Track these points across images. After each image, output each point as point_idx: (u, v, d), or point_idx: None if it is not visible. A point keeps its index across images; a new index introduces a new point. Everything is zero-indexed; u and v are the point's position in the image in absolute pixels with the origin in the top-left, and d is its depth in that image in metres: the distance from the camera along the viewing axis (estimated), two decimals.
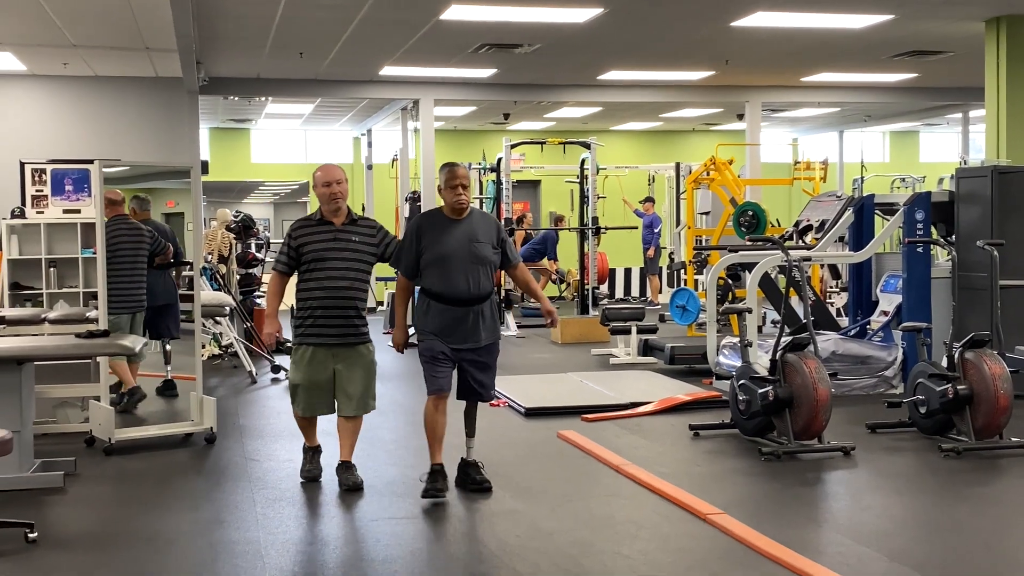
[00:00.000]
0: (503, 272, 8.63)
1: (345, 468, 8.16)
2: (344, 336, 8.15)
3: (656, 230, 23.15)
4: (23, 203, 13.26)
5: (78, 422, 10.17)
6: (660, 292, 23.36)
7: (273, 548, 6.76)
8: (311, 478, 8.30)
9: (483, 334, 7.93)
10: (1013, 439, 9.13)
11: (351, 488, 7.99)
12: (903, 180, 24.54)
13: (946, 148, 30.84)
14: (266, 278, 16.98)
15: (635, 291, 25.11)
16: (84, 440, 9.76)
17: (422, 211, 18.88)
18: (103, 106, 16.83)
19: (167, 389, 12.29)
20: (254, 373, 13.54)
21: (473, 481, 7.90)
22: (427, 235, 7.90)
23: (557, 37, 15.17)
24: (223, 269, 14.81)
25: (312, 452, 8.46)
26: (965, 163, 17.04)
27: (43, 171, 13.03)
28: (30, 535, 6.90)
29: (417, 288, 8.11)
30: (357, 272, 8.21)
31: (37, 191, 13.08)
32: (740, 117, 23.15)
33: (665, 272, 23.12)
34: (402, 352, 8.15)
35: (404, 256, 7.98)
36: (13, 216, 13.05)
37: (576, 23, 14.13)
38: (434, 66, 17.63)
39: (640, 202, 23.44)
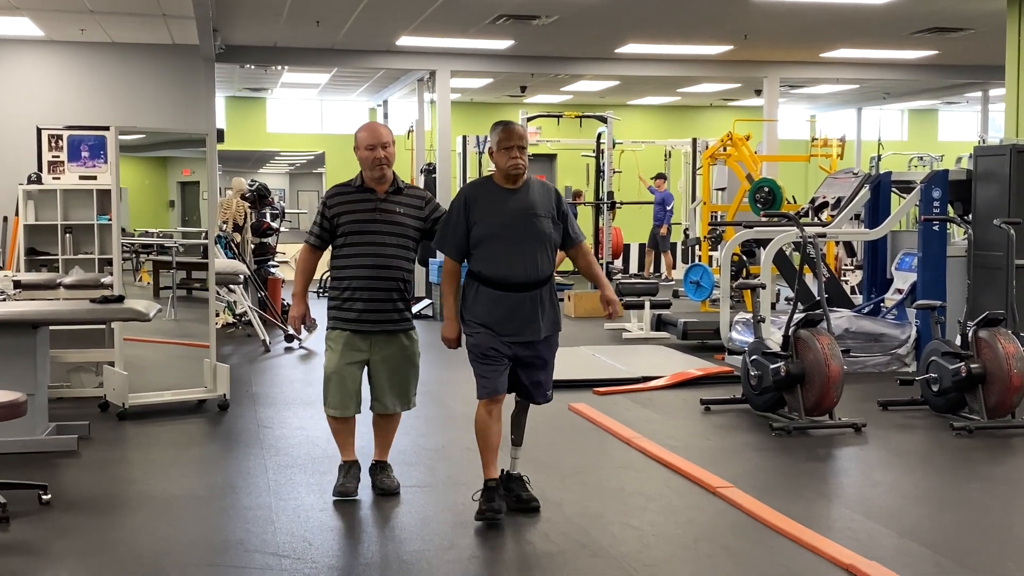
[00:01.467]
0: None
1: (380, 469, 7.21)
2: (384, 322, 7.00)
3: (668, 207, 23.11)
4: (40, 169, 13.34)
5: (92, 387, 10.21)
6: (674, 268, 23.38)
7: (284, 513, 6.79)
8: (344, 494, 7.02)
9: (543, 325, 6.66)
10: None
11: (385, 492, 7.08)
12: (921, 158, 24.43)
13: (965, 127, 30.72)
14: (281, 248, 17.13)
15: (633, 267, 25.04)
16: (98, 405, 9.80)
17: (436, 183, 19.16)
18: (120, 73, 16.84)
19: None
20: (268, 342, 13.59)
21: (518, 499, 6.69)
22: (477, 208, 6.64)
23: (575, 8, 15.15)
24: (238, 238, 14.83)
25: (348, 467, 7.18)
26: (984, 142, 17.00)
27: (60, 137, 13.12)
28: (44, 497, 6.94)
29: (464, 271, 6.85)
30: (401, 248, 7.00)
31: (54, 157, 13.16)
32: (758, 93, 23.08)
33: (680, 248, 23.11)
34: (456, 348, 6.83)
35: (450, 234, 6.69)
36: (30, 182, 13.13)
37: None
38: (451, 36, 17.61)
39: (652, 178, 23.41)
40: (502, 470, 6.76)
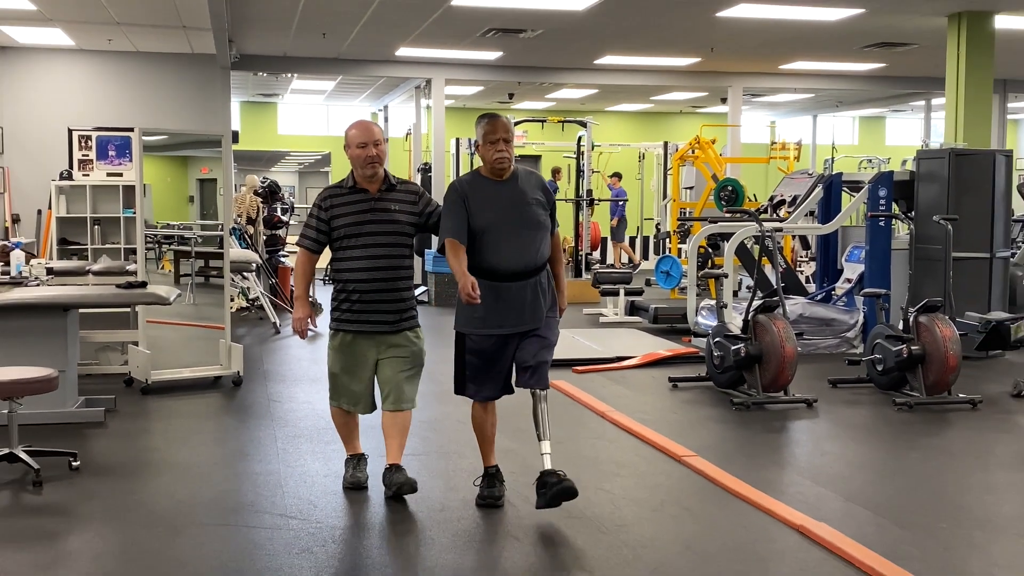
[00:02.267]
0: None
1: (395, 470, 6.31)
2: (387, 322, 6.36)
3: (620, 202, 23.10)
4: (71, 166, 13.29)
5: (118, 364, 10.20)
6: (639, 257, 23.43)
7: (291, 479, 6.79)
8: (356, 485, 6.51)
9: (542, 311, 6.10)
10: (960, 395, 9.13)
11: (402, 491, 6.27)
12: (869, 161, 24.45)
13: (910, 132, 30.70)
14: (290, 239, 17.07)
15: (610, 258, 25.02)
16: (123, 380, 9.81)
17: (432, 182, 19.14)
18: (143, 79, 16.78)
19: None
20: (278, 324, 13.57)
21: (556, 493, 5.86)
22: (471, 202, 6.04)
23: (558, 23, 15.12)
24: (251, 230, 14.81)
25: (356, 460, 6.64)
26: (926, 146, 17.02)
27: (89, 137, 13.08)
28: (73, 463, 6.95)
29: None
30: (399, 247, 6.36)
31: (83, 155, 13.11)
32: (723, 101, 23.06)
33: (652, 240, 23.11)
34: (477, 299, 5.80)
35: (453, 223, 6.01)
36: (62, 178, 13.09)
37: (576, 11, 14.08)
38: (445, 48, 17.56)
39: (608, 176, 23.39)
40: (541, 472, 5.99)
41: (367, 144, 6.27)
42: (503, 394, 6.27)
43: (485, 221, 6.02)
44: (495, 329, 6.06)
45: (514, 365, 6.14)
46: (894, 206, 11.90)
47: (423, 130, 21.46)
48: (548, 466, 5.95)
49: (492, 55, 18.36)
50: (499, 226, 6.04)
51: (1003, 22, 14.38)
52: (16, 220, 15.37)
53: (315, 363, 10.94)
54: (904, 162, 17.69)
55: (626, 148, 24.42)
